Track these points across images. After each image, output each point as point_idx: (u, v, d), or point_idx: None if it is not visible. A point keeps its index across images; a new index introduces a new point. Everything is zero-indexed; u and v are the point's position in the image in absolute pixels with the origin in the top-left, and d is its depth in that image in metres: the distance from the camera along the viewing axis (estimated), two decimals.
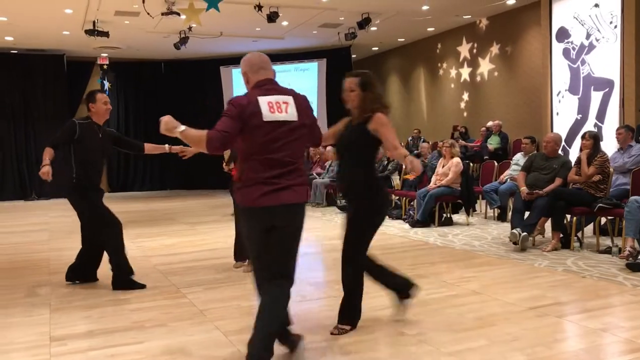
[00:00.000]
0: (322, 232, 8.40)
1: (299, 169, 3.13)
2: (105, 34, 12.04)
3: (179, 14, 10.57)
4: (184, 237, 8.04)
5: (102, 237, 5.06)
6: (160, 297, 4.79)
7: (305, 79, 16.25)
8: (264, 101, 3.01)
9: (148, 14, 10.65)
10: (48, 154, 4.80)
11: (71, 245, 6.39)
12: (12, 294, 5.05)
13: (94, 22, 11.82)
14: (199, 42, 13.54)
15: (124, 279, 5.06)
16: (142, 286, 5.08)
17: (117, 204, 13.26)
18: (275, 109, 3.01)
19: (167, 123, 3.01)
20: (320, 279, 5.66)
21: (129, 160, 17.05)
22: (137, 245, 7.30)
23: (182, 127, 2.98)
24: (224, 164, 5.92)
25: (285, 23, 12.58)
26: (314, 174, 12.17)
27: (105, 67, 15.87)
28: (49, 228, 9.45)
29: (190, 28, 11.59)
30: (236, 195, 3.11)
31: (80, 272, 5.28)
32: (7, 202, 14.82)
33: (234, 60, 16.69)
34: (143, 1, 10.28)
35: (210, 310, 4.34)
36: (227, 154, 5.86)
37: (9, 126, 15.37)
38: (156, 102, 16.64)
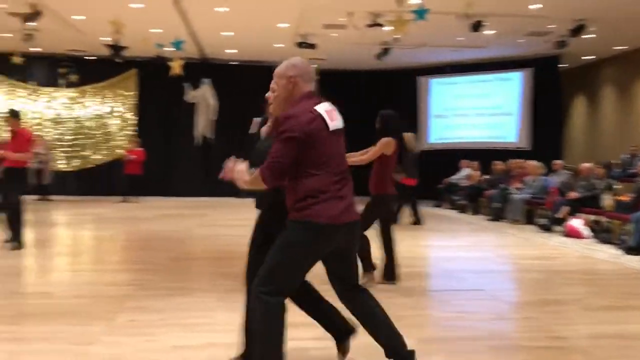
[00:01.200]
0: (517, 250, 8.01)
1: (350, 179, 2.95)
2: (312, 46, 12.82)
3: (382, 26, 10.86)
4: (373, 243, 8.21)
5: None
6: None
7: (506, 89, 15.66)
8: (322, 110, 2.85)
9: (354, 26, 11.11)
10: None
11: None
12: (225, 279, 5.59)
13: (304, 35, 12.65)
14: (400, 52, 13.76)
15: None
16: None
17: None
18: (332, 117, 2.89)
19: (242, 174, 2.85)
20: (516, 298, 5.41)
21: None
22: None
23: (247, 178, 2.84)
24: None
25: (489, 32, 12.24)
26: (512, 189, 11.64)
27: None
28: None
29: (397, 39, 11.81)
30: (309, 211, 2.74)
31: None
32: (222, 198, 16.45)
33: (431, 70, 16.71)
34: (350, 15, 10.75)
35: (405, 316, 4.36)
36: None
37: (227, 131, 17.05)
38: (354, 111, 17.21)
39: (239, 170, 2.85)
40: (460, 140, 16.48)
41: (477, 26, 10.91)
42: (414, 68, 16.65)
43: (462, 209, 13.26)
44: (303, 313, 3.28)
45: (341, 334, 3.30)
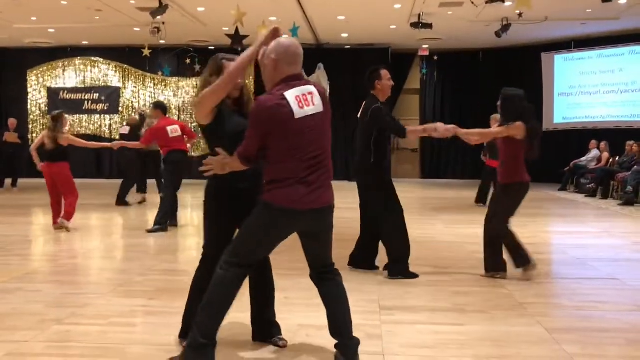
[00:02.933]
0: None
1: (327, 165, 2.94)
2: (429, 26, 12.50)
3: (503, 1, 10.37)
4: None
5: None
6: (478, 284, 4.83)
7: None
8: (291, 98, 2.80)
9: (472, 2, 10.70)
10: None
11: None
12: (340, 261, 5.65)
13: (419, 15, 12.37)
14: (520, 28, 13.06)
15: (400, 268, 4.99)
16: (415, 276, 4.97)
17: (429, 191, 13.79)
18: (303, 103, 2.82)
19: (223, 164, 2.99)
20: None
21: (441, 147, 17.49)
22: (452, 231, 7.48)
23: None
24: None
25: (622, 1, 11.30)
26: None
27: (425, 58, 16.54)
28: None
29: (520, 14, 11.21)
30: (269, 195, 2.85)
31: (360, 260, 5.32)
32: (335, 182, 16.66)
33: (557, 46, 15.75)
34: None
35: (532, 304, 4.20)
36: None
37: (340, 115, 17.18)
38: (474, 91, 16.69)
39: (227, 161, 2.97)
40: (588, 120, 15.43)
41: None
42: (536, 44, 15.77)
43: (590, 193, 12.44)
44: None
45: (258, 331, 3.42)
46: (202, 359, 2.85)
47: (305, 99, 2.84)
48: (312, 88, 2.89)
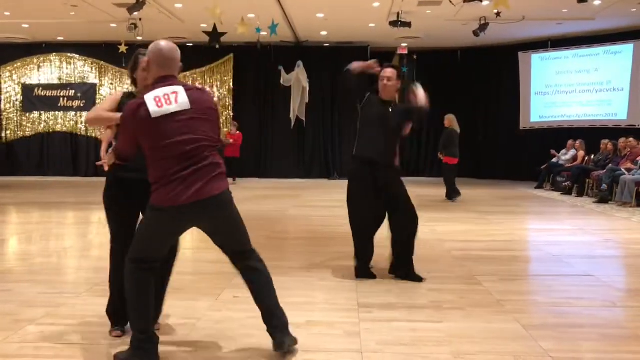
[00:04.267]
0: (628, 234, 7.53)
1: (206, 159, 2.98)
2: (408, 24, 12.56)
3: (481, 1, 10.46)
4: (475, 226, 8.01)
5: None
6: (456, 281, 4.86)
7: (616, 63, 14.62)
8: (150, 98, 2.91)
9: (451, 2, 10.77)
10: None
11: None
12: (321, 259, 5.66)
13: (398, 14, 12.42)
14: (498, 27, 13.21)
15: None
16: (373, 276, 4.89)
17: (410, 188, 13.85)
18: (163, 102, 2.91)
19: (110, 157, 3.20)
20: (629, 285, 5.08)
21: (420, 145, 17.58)
22: (430, 229, 7.53)
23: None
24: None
25: (597, 2, 11.47)
26: (622, 170, 10.92)
27: (404, 56, 16.61)
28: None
29: (498, 14, 11.30)
30: (152, 196, 2.97)
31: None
32: (314, 180, 16.69)
33: (534, 45, 15.94)
34: None
35: (508, 301, 4.24)
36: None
37: (319, 113, 17.20)
38: (453, 90, 16.81)
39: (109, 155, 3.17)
40: (564, 119, 15.65)
41: None
42: (514, 44, 15.95)
43: (566, 191, 12.61)
44: None
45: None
46: (146, 355, 2.99)
47: (166, 98, 2.92)
48: (178, 88, 2.98)
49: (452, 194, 11.13)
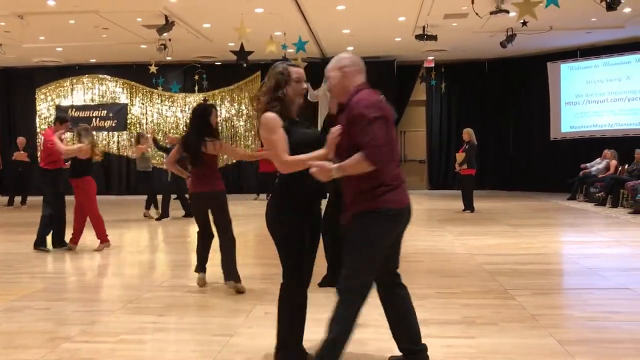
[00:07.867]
0: None
1: None
2: (434, 38, 12.53)
3: (508, 12, 10.39)
4: (507, 239, 7.90)
5: None
6: (489, 295, 4.80)
7: None
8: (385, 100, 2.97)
9: (477, 14, 10.72)
10: None
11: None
12: None
13: (423, 27, 12.42)
14: (525, 38, 13.07)
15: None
16: None
17: (436, 202, 13.75)
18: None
19: (324, 169, 2.86)
20: None
21: (449, 158, 17.46)
22: (461, 243, 7.45)
23: (335, 165, 2.86)
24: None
25: (627, 10, 11.29)
26: None
27: (432, 69, 16.57)
28: None
29: (524, 23, 11.21)
30: (382, 198, 2.83)
31: None
32: None
33: (562, 55, 15.73)
34: (472, 2, 10.39)
35: (543, 316, 4.16)
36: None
37: None
38: (480, 102, 16.68)
39: (322, 166, 2.88)
40: (596, 128, 15.37)
41: (613, 4, 10.10)
42: (542, 54, 15.77)
43: (599, 202, 12.36)
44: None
45: None
46: None
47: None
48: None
49: (472, 205, 11.17)
